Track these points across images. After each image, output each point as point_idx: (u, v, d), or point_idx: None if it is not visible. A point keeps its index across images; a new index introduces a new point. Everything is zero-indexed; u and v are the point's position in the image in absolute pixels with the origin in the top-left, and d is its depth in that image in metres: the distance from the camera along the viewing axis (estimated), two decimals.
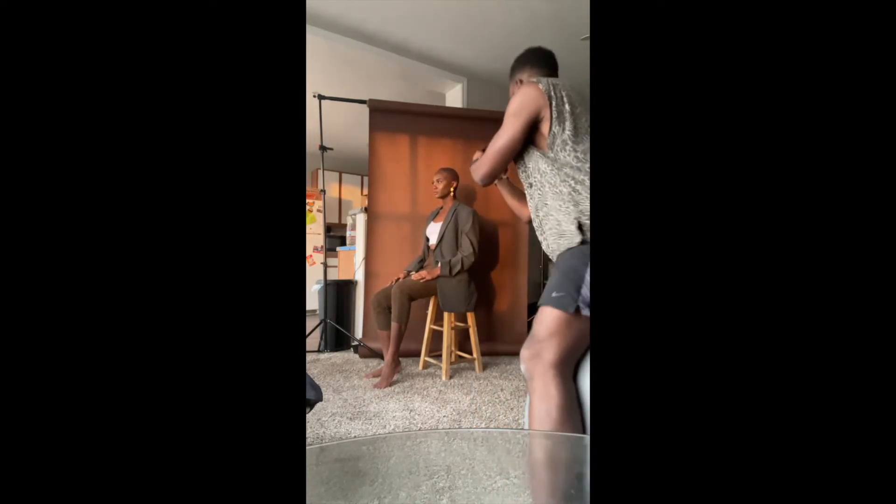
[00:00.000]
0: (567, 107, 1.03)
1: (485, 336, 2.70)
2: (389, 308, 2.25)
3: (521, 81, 1.23)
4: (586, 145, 1.04)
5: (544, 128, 1.05)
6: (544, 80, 1.06)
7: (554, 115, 1.03)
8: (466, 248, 2.30)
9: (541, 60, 1.21)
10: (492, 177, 1.14)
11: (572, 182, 1.03)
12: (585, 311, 0.88)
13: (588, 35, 2.77)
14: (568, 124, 1.03)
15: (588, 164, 1.02)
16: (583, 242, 0.97)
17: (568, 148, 1.03)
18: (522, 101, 1.04)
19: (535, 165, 1.08)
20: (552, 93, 1.03)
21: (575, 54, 3.08)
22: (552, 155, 1.05)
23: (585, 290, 0.89)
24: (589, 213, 0.99)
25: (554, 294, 0.91)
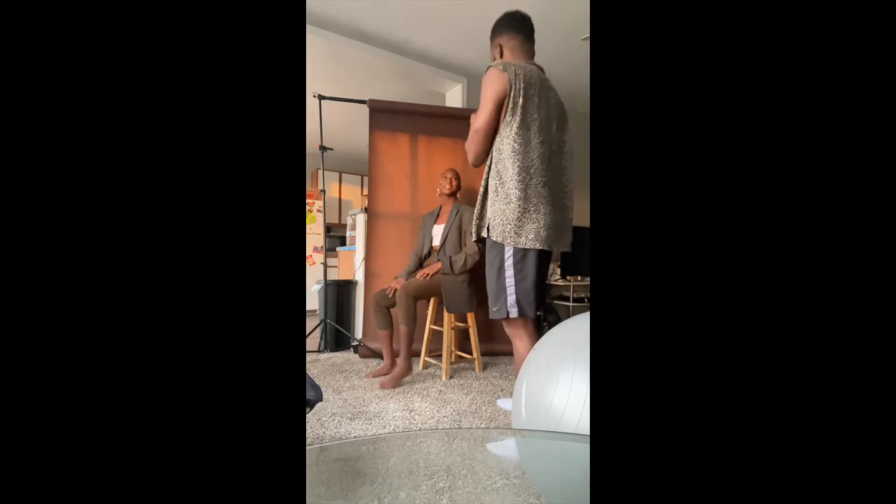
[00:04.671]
0: (521, 99, 1.23)
1: (485, 336, 2.70)
2: (388, 308, 2.25)
3: (500, 46, 1.40)
4: (525, 138, 1.23)
5: (503, 113, 1.26)
6: (511, 66, 1.25)
7: (510, 106, 1.23)
8: (472, 248, 2.29)
9: (517, 24, 1.39)
10: (477, 156, 1.35)
11: (497, 178, 1.25)
12: (513, 313, 1.23)
13: (588, 35, 2.77)
14: (518, 115, 1.23)
15: (517, 160, 1.23)
16: (481, 239, 1.33)
17: (512, 136, 1.23)
18: (492, 86, 1.25)
19: (492, 151, 1.32)
20: (513, 82, 1.23)
21: (575, 54, 3.08)
22: (499, 140, 1.26)
23: (510, 298, 1.22)
24: (483, 218, 1.30)
25: (494, 309, 1.26)
